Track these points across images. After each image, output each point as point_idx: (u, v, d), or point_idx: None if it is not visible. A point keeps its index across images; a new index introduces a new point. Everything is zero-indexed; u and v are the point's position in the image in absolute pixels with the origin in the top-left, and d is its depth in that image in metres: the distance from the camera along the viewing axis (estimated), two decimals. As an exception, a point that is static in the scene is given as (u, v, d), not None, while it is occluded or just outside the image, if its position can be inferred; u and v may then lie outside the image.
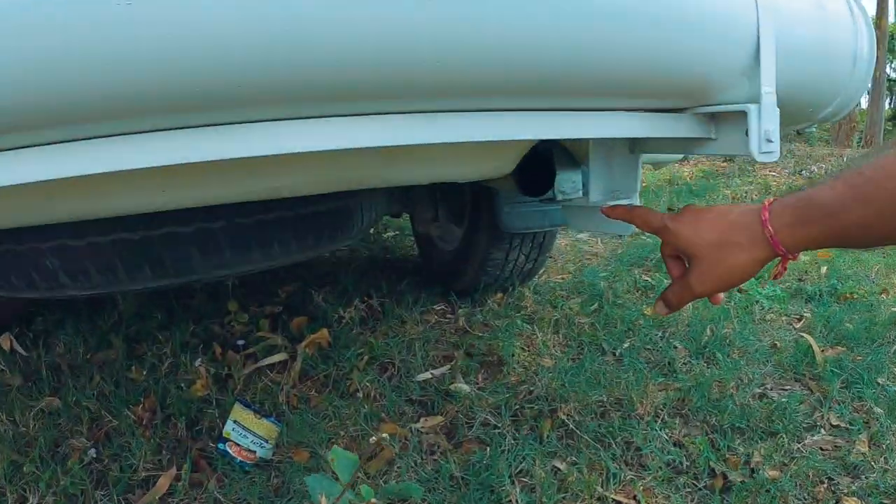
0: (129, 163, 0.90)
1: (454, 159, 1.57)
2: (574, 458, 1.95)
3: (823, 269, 3.89)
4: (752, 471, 1.93)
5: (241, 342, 2.63)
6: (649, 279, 3.51)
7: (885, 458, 2.02)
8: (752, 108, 1.18)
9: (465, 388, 2.31)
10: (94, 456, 1.97)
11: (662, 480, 1.87)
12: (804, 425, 2.18)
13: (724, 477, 1.90)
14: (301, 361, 2.43)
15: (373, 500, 1.41)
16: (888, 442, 2.09)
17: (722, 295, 1.17)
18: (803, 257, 4.17)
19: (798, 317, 3.16)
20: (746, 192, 6.72)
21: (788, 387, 2.44)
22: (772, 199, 0.99)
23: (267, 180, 1.44)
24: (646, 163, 2.33)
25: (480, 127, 1.09)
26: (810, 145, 10.67)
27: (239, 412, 2.00)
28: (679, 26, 1.11)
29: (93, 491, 1.83)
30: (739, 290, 3.42)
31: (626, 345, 2.66)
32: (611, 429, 2.06)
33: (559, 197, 1.71)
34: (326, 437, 2.05)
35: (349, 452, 1.41)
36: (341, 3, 0.84)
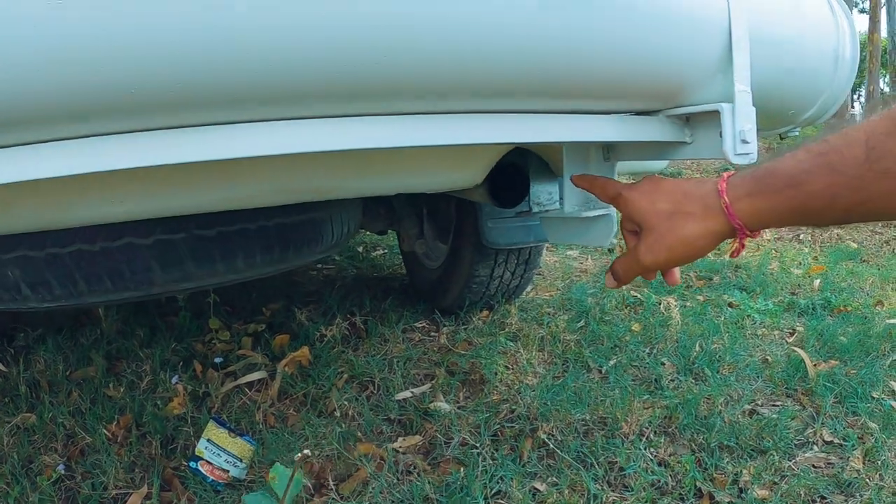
0: (55, 169, 0.84)
1: (421, 168, 1.52)
2: (555, 479, 1.88)
3: (817, 282, 3.84)
4: (741, 490, 1.87)
5: (218, 360, 2.59)
6: (638, 295, 3.45)
7: (880, 474, 1.96)
8: (725, 107, 1.13)
9: (446, 406, 2.25)
10: (64, 472, 1.95)
11: (646, 501, 1.81)
12: (796, 442, 2.12)
13: (711, 497, 1.83)
14: (280, 380, 2.40)
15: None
16: (883, 457, 2.03)
17: (678, 274, 1.09)
18: (796, 271, 4.13)
19: (791, 330, 3.10)
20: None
21: (780, 402, 2.38)
22: (732, 171, 0.92)
23: (226, 190, 1.40)
24: (627, 172, 2.28)
25: (439, 131, 1.03)
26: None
27: (213, 430, 1.96)
28: (646, 22, 1.05)
29: (62, 508, 1.80)
30: (731, 305, 3.37)
31: (612, 362, 2.60)
32: (594, 448, 2.00)
33: (535, 209, 1.67)
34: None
35: (291, 471, 1.36)
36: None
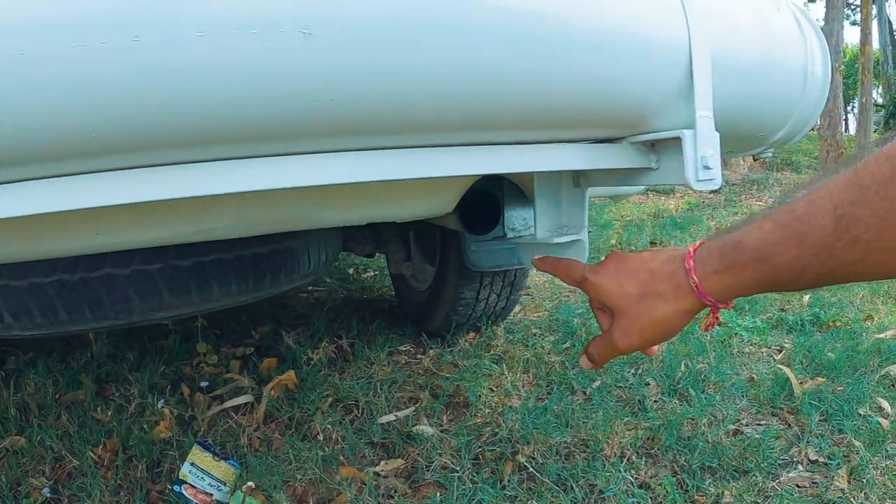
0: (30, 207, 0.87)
1: (389, 199, 1.52)
2: (534, 502, 1.88)
3: (806, 298, 3.84)
4: (722, 512, 1.86)
5: (204, 384, 2.59)
6: (626, 313, 3.44)
7: (864, 492, 1.96)
8: (686, 134, 1.12)
9: (429, 430, 2.24)
10: (50, 495, 1.96)
11: (626, 524, 1.80)
12: (780, 462, 2.12)
13: (691, 519, 1.83)
14: (266, 403, 2.40)
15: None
16: (868, 476, 2.03)
17: (655, 347, 1.07)
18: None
19: (779, 348, 3.10)
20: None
21: (765, 422, 2.38)
22: (697, 244, 0.90)
23: (197, 223, 1.41)
24: (603, 196, 2.28)
25: (404, 165, 1.03)
26: (798, 172, 10.69)
27: (197, 454, 1.97)
28: (603, 53, 1.04)
29: (47, 531, 1.80)
30: (718, 323, 3.35)
31: (596, 383, 2.59)
32: (574, 471, 1.99)
33: (510, 234, 1.66)
34: (283, 481, 2.02)
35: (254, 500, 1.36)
36: (262, 40, 0.80)
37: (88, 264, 1.68)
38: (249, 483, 1.66)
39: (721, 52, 1.17)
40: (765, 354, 3.02)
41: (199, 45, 0.77)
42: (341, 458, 2.13)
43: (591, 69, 1.05)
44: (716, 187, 1.17)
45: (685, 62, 1.11)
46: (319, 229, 1.93)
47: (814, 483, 2.02)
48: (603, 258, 1.02)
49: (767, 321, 3.43)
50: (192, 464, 1.94)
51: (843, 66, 12.41)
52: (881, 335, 3.20)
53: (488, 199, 1.65)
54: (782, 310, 3.69)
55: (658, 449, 2.14)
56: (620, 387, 2.59)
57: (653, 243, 5.51)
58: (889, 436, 2.25)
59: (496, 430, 2.25)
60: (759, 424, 2.36)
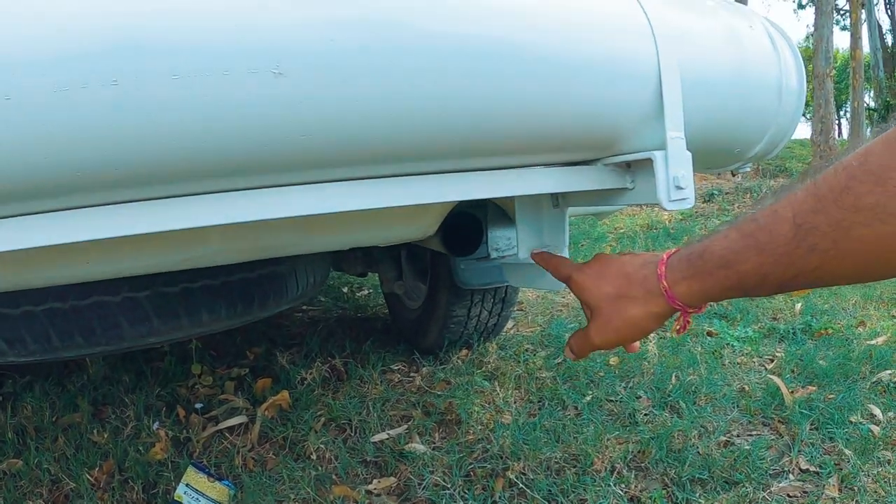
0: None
1: (371, 224, 1.54)
2: (524, 519, 1.89)
3: (798, 307, 3.84)
4: (712, 524, 1.87)
5: (199, 406, 2.62)
6: (618, 326, 3.44)
7: (856, 500, 1.97)
8: (657, 155, 1.14)
9: (421, 448, 2.25)
10: None
11: (616, 539, 1.81)
12: (771, 472, 2.12)
13: (681, 532, 1.84)
14: (260, 424, 2.42)
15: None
16: (860, 484, 2.03)
17: (637, 343, 1.13)
18: (779, 298, 4.13)
19: (770, 358, 3.11)
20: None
21: (756, 432, 2.39)
22: (672, 251, 0.96)
23: (184, 251, 1.43)
24: (585, 214, 2.29)
25: (379, 195, 1.05)
26: (790, 175, 10.69)
27: (192, 475, 1.99)
28: (572, 78, 1.06)
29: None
30: (709, 334, 3.37)
31: (587, 398, 2.60)
32: (564, 486, 2.00)
33: (494, 255, 1.68)
34: (277, 500, 2.03)
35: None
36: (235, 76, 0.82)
37: (79, 292, 1.70)
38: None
39: (693, 72, 1.18)
40: (756, 364, 3.02)
41: (175, 87, 0.80)
42: (334, 477, 2.14)
43: (561, 94, 1.06)
44: (688, 206, 1.18)
45: (654, 85, 1.13)
46: (306, 254, 1.95)
47: (805, 493, 2.02)
48: (592, 258, 1.10)
49: (759, 331, 3.44)
50: (187, 485, 1.96)
51: (834, 71, 12.44)
52: (873, 341, 3.20)
53: (470, 220, 1.67)
54: (774, 319, 3.70)
55: (648, 462, 2.15)
56: (612, 401, 2.60)
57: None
58: (880, 443, 2.26)
59: (487, 446, 2.25)
60: (749, 435, 2.36)
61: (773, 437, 2.35)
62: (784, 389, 2.57)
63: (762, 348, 3.22)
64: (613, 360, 2.94)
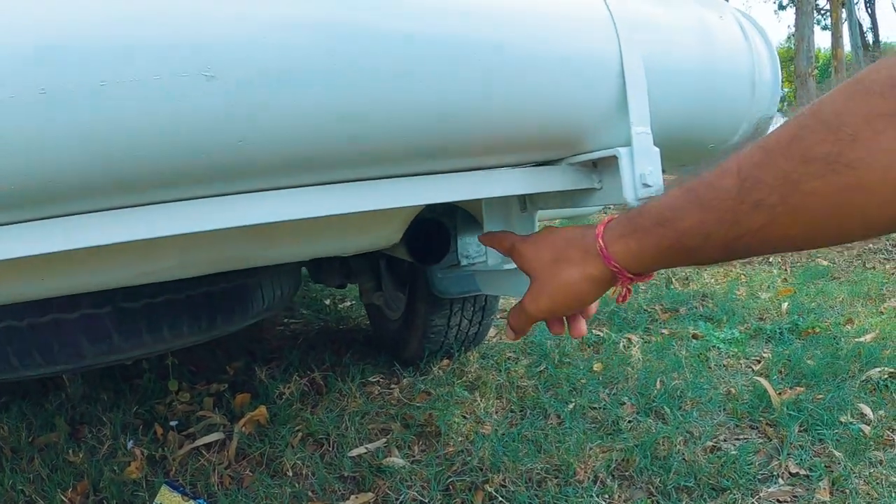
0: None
1: (331, 234, 1.49)
2: (505, 534, 1.83)
3: (785, 305, 3.81)
4: (698, 533, 1.82)
5: (174, 423, 2.57)
6: (600, 333, 3.40)
7: (847, 503, 1.91)
8: (622, 152, 1.08)
9: (399, 461, 2.20)
10: None
11: (599, 552, 1.76)
12: (760, 476, 2.08)
13: (667, 542, 1.78)
14: (237, 440, 2.37)
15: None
16: (852, 486, 2.00)
17: (582, 326, 1.03)
18: (764, 295, 4.10)
19: (757, 359, 3.06)
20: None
21: (743, 436, 2.34)
22: (617, 214, 0.88)
23: (140, 265, 1.38)
24: (559, 218, 2.24)
25: (328, 201, 0.99)
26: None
27: (166, 494, 1.97)
28: (525, 70, 1.00)
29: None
30: (695, 337, 3.33)
31: (570, 406, 2.54)
32: (545, 499, 1.94)
33: (464, 262, 1.63)
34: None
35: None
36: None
37: (36, 310, 1.66)
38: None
39: (659, 65, 1.13)
40: (743, 366, 2.98)
41: (103, 95, 0.74)
42: (310, 493, 2.10)
43: (518, 91, 1.00)
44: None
45: (617, 78, 1.07)
46: (271, 266, 1.90)
47: (795, 497, 1.98)
48: None
49: (745, 332, 3.40)
50: (160, 504, 1.91)
51: (816, 71, 12.48)
52: (861, 339, 3.18)
53: (437, 227, 1.61)
54: (761, 319, 3.67)
55: (633, 471, 2.10)
56: (595, 408, 2.54)
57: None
58: (871, 443, 2.23)
59: (467, 458, 2.20)
60: (737, 439, 2.32)
61: (761, 440, 2.30)
62: (771, 391, 2.53)
63: (749, 349, 3.18)
64: (597, 367, 2.89)
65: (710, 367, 2.93)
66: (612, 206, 1.33)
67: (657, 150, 1.10)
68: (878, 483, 2.01)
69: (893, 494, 1.96)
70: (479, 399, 2.62)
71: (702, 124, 1.28)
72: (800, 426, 2.34)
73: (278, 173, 0.92)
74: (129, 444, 2.39)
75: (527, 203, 1.43)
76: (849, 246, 5.54)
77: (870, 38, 30.92)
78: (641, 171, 1.08)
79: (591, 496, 1.95)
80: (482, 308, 2.85)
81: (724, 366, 2.97)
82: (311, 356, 3.22)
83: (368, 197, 1.02)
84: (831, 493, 1.98)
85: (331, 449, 2.36)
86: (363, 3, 0.87)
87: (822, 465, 2.11)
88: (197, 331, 1.82)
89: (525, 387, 2.74)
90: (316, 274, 2.66)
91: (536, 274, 0.95)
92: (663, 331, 3.48)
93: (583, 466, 2.09)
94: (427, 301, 2.69)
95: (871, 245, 5.48)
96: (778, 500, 1.96)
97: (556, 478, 2.07)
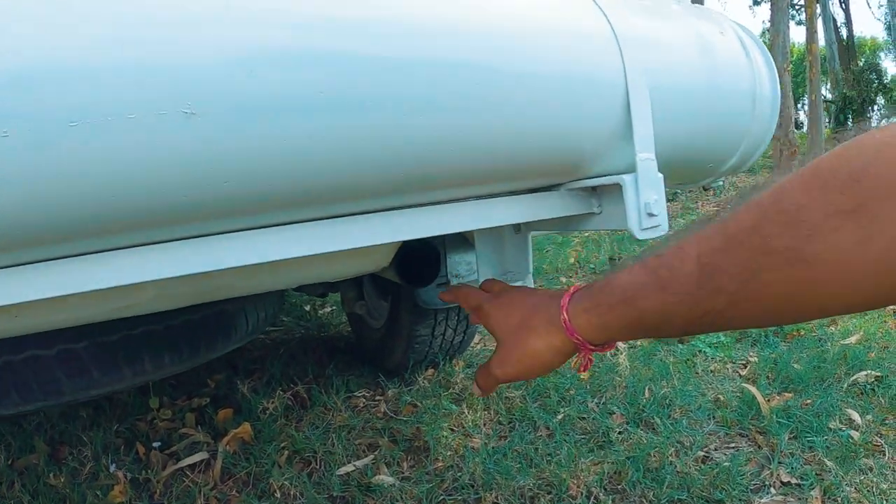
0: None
1: (317, 263, 1.44)
2: (499, 555, 1.80)
3: (769, 308, 3.79)
4: (694, 548, 1.79)
5: (156, 444, 2.50)
6: (586, 338, 3.37)
7: (840, 512, 1.90)
8: (626, 179, 1.06)
9: (389, 479, 2.16)
10: None
11: (595, 571, 1.73)
12: (752, 487, 2.06)
13: (663, 559, 1.76)
14: (222, 460, 2.32)
15: None
16: (843, 494, 1.99)
17: None
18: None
19: (744, 363, 3.05)
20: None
21: (734, 445, 2.32)
22: (584, 285, 0.89)
23: (117, 300, 1.32)
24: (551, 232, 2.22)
25: (324, 239, 0.95)
26: (753, 173, 10.71)
27: None
28: (526, 93, 0.96)
29: None
30: (681, 341, 3.31)
31: (559, 417, 2.51)
32: (539, 516, 1.91)
33: (454, 281, 1.61)
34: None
35: None
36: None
37: (12, 347, 1.61)
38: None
39: (662, 84, 1.10)
40: (730, 371, 2.97)
41: (76, 135, 0.68)
42: (299, 515, 2.04)
43: (518, 116, 0.97)
44: (661, 234, 1.10)
45: (622, 101, 1.05)
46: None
47: (787, 507, 1.96)
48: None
49: (731, 335, 3.38)
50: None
51: (790, 66, 12.54)
52: (846, 341, 3.17)
53: (426, 248, 1.58)
54: (746, 321, 3.65)
55: (625, 484, 2.07)
56: (584, 418, 2.51)
57: (611, 259, 5.46)
58: (861, 449, 2.22)
59: (458, 474, 2.16)
60: (727, 448, 2.30)
61: (751, 449, 2.28)
62: (760, 398, 2.51)
63: (735, 353, 3.16)
64: (584, 375, 2.86)
65: (697, 373, 2.91)
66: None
67: (661, 176, 1.07)
68: (869, 491, 2.00)
69: (885, 502, 1.95)
70: (466, 411, 2.59)
71: (702, 144, 1.26)
72: (789, 433, 2.32)
73: (265, 212, 0.88)
74: (112, 468, 2.33)
75: (521, 226, 1.40)
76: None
77: (844, 33, 31.18)
78: (646, 200, 1.06)
79: (585, 513, 1.92)
80: (467, 316, 2.81)
81: (711, 371, 2.96)
82: (293, 367, 3.16)
83: (361, 233, 0.99)
84: (823, 501, 1.98)
85: (318, 467, 2.31)
86: (350, 29, 0.83)
87: (813, 473, 2.09)
88: (179, 361, 1.77)
89: (512, 398, 2.70)
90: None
91: (503, 338, 0.96)
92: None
93: (575, 481, 2.06)
94: (411, 311, 2.66)
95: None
96: (771, 511, 1.95)
97: (548, 493, 2.04)
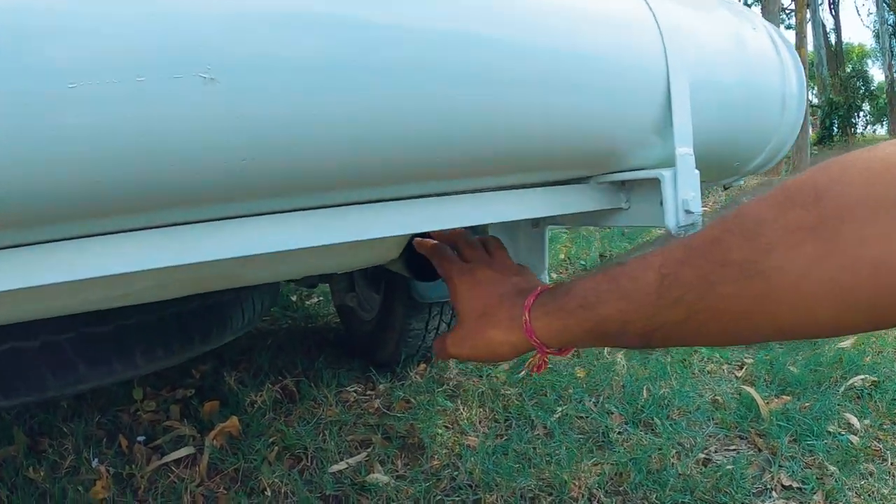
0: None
1: (325, 253, 1.38)
2: (501, 558, 1.75)
3: (762, 308, 3.77)
4: (699, 553, 1.76)
5: (141, 438, 2.42)
6: (583, 335, 3.33)
7: (843, 517, 1.87)
8: (665, 175, 1.00)
9: (383, 478, 2.10)
10: None
11: (599, 576, 1.68)
12: (754, 490, 2.03)
13: (668, 564, 1.72)
14: (209, 455, 2.25)
15: None
16: (845, 499, 1.96)
17: None
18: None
19: (739, 364, 3.02)
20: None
21: (734, 447, 2.29)
22: (552, 284, 0.91)
23: (111, 289, 1.24)
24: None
25: (338, 228, 0.88)
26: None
27: None
28: (561, 77, 0.90)
29: None
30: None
31: (556, 415, 2.47)
32: (541, 519, 1.87)
33: None
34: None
35: None
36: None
37: None
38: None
39: (699, 78, 1.05)
40: (726, 372, 2.94)
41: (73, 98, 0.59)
42: (291, 514, 1.98)
43: (551, 101, 0.90)
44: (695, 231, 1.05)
45: (663, 90, 0.99)
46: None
47: (790, 511, 1.93)
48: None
49: (728, 335, 3.35)
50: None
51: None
52: (842, 344, 3.15)
53: (437, 240, 1.52)
54: (740, 321, 3.63)
55: (627, 486, 2.03)
56: (581, 417, 2.47)
57: (602, 256, 5.43)
58: (861, 454, 2.20)
59: (455, 474, 2.11)
60: (727, 451, 2.26)
61: (752, 452, 2.25)
62: (759, 401, 2.49)
63: (730, 354, 3.13)
64: (580, 373, 2.82)
65: (694, 373, 2.88)
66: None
67: (698, 173, 1.02)
68: (870, 496, 1.99)
69: (887, 507, 1.93)
70: (461, 408, 2.54)
71: (733, 140, 1.21)
72: (789, 437, 2.30)
73: (284, 196, 0.82)
74: (94, 463, 2.25)
75: (539, 220, 1.34)
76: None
77: (832, 37, 31.37)
78: (684, 197, 1.01)
79: (588, 516, 1.88)
80: (464, 314, 2.76)
81: (707, 371, 2.93)
82: (281, 359, 3.10)
83: (381, 222, 0.92)
84: (825, 506, 1.94)
85: (309, 464, 2.25)
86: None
87: (815, 477, 2.07)
88: (172, 354, 1.70)
89: (508, 395, 2.65)
90: None
91: (463, 320, 0.98)
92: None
93: (576, 483, 2.02)
94: (405, 304, 2.60)
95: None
96: (775, 515, 1.92)
97: (549, 495, 1.99)
